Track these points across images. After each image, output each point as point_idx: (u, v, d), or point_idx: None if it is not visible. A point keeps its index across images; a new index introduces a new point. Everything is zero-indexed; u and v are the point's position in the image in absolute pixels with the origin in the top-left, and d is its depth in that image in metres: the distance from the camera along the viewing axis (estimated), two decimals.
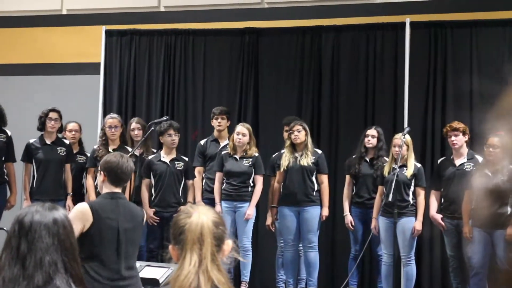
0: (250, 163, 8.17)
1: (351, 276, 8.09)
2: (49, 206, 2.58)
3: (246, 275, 8.14)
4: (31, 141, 8.12)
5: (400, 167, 7.65)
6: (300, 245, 8.15)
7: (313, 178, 8.04)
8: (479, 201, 6.92)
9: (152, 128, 7.89)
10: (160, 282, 5.19)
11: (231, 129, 8.48)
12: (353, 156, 8.33)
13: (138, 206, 5.08)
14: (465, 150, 7.82)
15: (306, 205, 7.99)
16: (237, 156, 8.19)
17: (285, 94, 9.55)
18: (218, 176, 8.26)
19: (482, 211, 7.01)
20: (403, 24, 9.06)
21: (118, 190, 4.86)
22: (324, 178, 8.10)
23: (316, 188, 8.04)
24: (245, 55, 9.68)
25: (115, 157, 4.88)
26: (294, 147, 8.06)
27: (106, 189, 4.82)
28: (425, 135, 8.95)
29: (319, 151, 8.20)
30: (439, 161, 8.12)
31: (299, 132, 8.00)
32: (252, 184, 8.19)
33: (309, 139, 8.08)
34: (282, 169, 8.06)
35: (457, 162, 7.81)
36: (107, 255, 4.74)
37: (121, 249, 4.76)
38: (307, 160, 7.98)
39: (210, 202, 8.08)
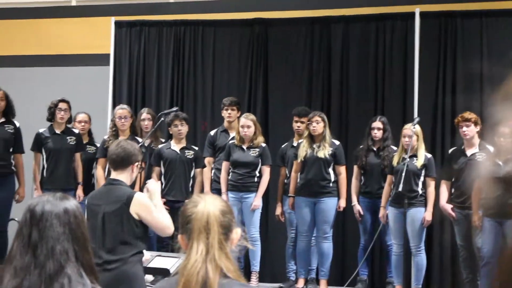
0: (257, 153, 8.18)
1: (361, 267, 8.10)
2: (60, 196, 2.59)
3: (256, 265, 8.16)
4: (41, 130, 8.14)
5: (410, 157, 7.64)
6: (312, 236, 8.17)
7: (330, 170, 8.04)
8: (490, 190, 6.94)
9: (162, 118, 7.90)
10: (171, 272, 5.20)
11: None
12: (360, 147, 8.33)
13: (129, 189, 5.03)
14: (476, 140, 7.80)
15: (323, 196, 7.99)
16: (244, 146, 8.20)
17: (294, 84, 9.55)
18: (224, 165, 8.27)
19: (493, 201, 7.02)
20: (413, 14, 9.04)
21: (118, 175, 4.93)
22: (342, 169, 8.10)
23: (333, 180, 8.04)
24: (254, 45, 9.69)
25: (112, 144, 5.09)
26: (312, 138, 8.06)
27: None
28: (435, 125, 8.94)
29: (337, 142, 8.19)
30: (450, 151, 8.10)
31: (317, 123, 8.00)
32: (258, 175, 8.19)
33: (327, 131, 8.08)
34: (299, 160, 8.07)
35: (469, 152, 7.80)
36: (91, 241, 4.77)
37: (100, 233, 4.79)
38: (324, 152, 7.97)
39: (219, 193, 8.10)
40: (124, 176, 4.94)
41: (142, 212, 4.80)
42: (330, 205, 8.00)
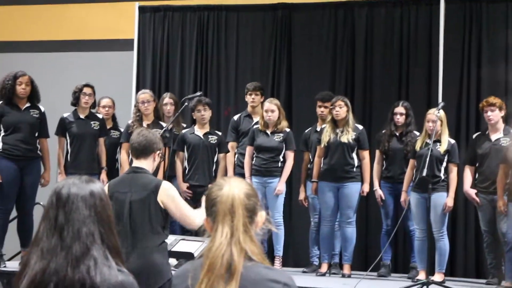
0: (281, 138, 8.17)
1: (384, 251, 8.09)
2: (86, 179, 2.61)
3: (279, 250, 8.17)
4: (65, 115, 8.18)
5: (434, 142, 7.61)
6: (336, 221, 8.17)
7: (354, 155, 8.02)
8: None
9: (186, 103, 7.91)
10: (195, 255, 5.22)
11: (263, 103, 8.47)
12: (383, 132, 8.30)
13: (155, 177, 5.07)
14: (501, 125, 7.75)
15: (346, 181, 7.98)
16: (268, 131, 8.19)
17: (318, 69, 9.53)
18: (248, 150, 8.26)
19: None
20: None
21: (141, 163, 4.96)
22: (366, 154, 8.08)
23: (356, 164, 8.03)
24: (277, 30, 9.67)
25: (134, 133, 5.13)
26: (335, 122, 8.05)
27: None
28: (459, 110, 8.90)
29: (360, 127, 8.16)
30: (474, 136, 8.06)
31: (340, 108, 7.98)
32: (282, 160, 8.19)
33: (351, 115, 8.05)
34: (322, 145, 8.06)
35: (493, 137, 7.75)
36: (117, 228, 4.83)
37: (127, 221, 4.82)
38: (347, 136, 7.96)
39: (242, 177, 8.09)
40: (146, 164, 4.97)
41: (168, 201, 4.84)
42: (354, 190, 7.99)
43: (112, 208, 4.79)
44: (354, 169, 8.02)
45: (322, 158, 8.12)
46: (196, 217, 4.79)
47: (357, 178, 8.03)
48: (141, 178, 4.91)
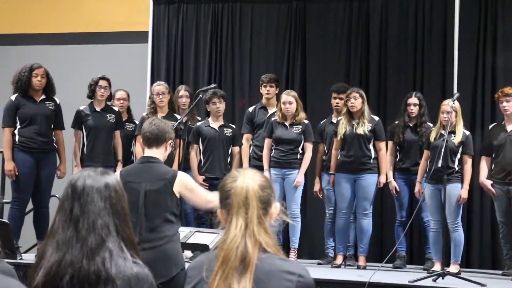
0: (299, 130, 8.16)
1: (399, 243, 8.07)
2: (101, 171, 2.62)
3: (295, 242, 8.17)
4: (81, 108, 8.19)
5: (448, 133, 7.58)
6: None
7: (370, 146, 8.01)
8: None
9: (200, 95, 7.91)
10: (210, 247, 5.23)
11: (279, 97, 8.46)
12: (396, 123, 8.26)
13: (169, 167, 5.09)
14: None
15: (363, 173, 7.97)
16: (286, 123, 8.19)
17: (332, 61, 9.51)
18: (267, 142, 8.26)
19: None
20: None
21: (153, 153, 4.97)
22: (382, 145, 8.06)
23: (373, 156, 8.01)
24: (292, 22, 9.66)
25: (146, 122, 5.15)
26: (351, 114, 8.03)
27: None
28: (475, 100, 8.86)
29: (376, 118, 8.14)
30: (490, 126, 8.02)
31: (355, 99, 7.96)
32: (301, 152, 8.18)
33: (366, 107, 8.03)
34: (339, 137, 8.04)
35: (509, 128, 7.72)
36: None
37: (141, 211, 4.83)
38: (363, 128, 7.94)
39: (257, 170, 8.08)
40: (158, 153, 4.98)
41: (185, 191, 4.86)
42: (371, 182, 7.98)
43: (127, 197, 4.84)
44: (371, 160, 8.00)
45: (339, 150, 8.11)
46: (214, 199, 4.83)
47: (374, 170, 8.01)
48: (156, 168, 4.93)
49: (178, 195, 4.87)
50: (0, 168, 8.47)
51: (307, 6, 9.64)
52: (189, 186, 4.89)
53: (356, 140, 7.96)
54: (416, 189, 7.92)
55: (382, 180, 8.03)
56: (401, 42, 9.29)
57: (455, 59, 8.84)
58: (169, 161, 5.32)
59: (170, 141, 5.03)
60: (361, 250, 8.05)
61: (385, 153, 8.05)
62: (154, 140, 4.96)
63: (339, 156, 8.11)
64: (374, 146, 8.03)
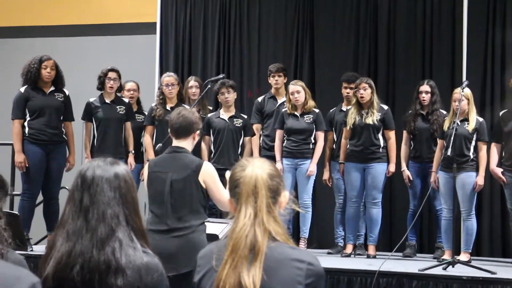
0: (311, 119, 8.16)
1: (409, 232, 8.06)
2: (110, 161, 2.62)
3: (305, 231, 8.18)
4: (91, 100, 8.20)
5: (462, 121, 7.55)
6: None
7: (379, 135, 8.00)
8: None
9: (209, 86, 7.91)
10: (220, 237, 5.24)
11: (287, 86, 8.45)
12: (409, 112, 8.25)
13: (196, 157, 5.11)
14: None
15: (372, 162, 7.97)
16: (297, 113, 8.18)
17: (340, 51, 9.50)
18: (278, 133, 8.26)
19: None
20: None
21: (181, 143, 4.99)
22: (391, 134, 8.04)
23: (382, 145, 8.00)
24: (300, 12, 9.65)
25: (173, 113, 5.13)
26: (360, 104, 8.02)
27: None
28: (484, 88, 8.84)
29: (385, 107, 8.12)
30: (501, 113, 7.96)
31: (365, 90, 7.95)
32: (313, 141, 8.18)
33: (375, 97, 8.02)
34: (348, 127, 8.04)
35: None
36: (157, 207, 4.91)
37: (167, 200, 4.87)
38: (372, 118, 7.93)
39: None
40: (186, 144, 5.00)
41: (209, 181, 4.88)
42: (380, 170, 7.97)
43: (153, 187, 4.89)
44: (380, 149, 8.00)
45: (348, 140, 8.11)
46: None
47: (383, 159, 8.00)
48: (182, 157, 4.95)
49: (204, 185, 4.89)
50: (10, 160, 8.49)
51: None
52: (212, 178, 4.90)
53: (366, 129, 7.96)
54: (432, 179, 7.86)
55: (391, 169, 8.02)
56: (410, 31, 9.26)
57: (464, 47, 8.81)
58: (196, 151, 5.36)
59: (197, 131, 5.05)
60: (370, 239, 8.05)
61: (394, 142, 8.04)
62: (182, 131, 4.98)
63: (348, 146, 8.11)
64: (383, 135, 8.03)
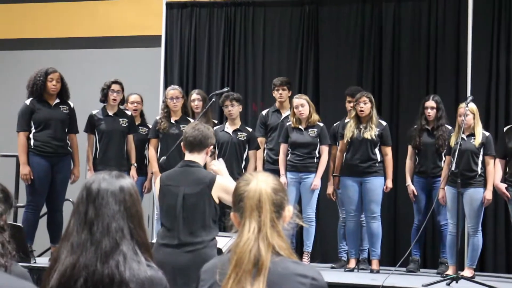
0: (315, 133, 8.16)
1: (413, 247, 8.04)
2: (116, 174, 2.62)
3: (309, 245, 8.16)
4: (94, 112, 8.21)
5: (468, 136, 7.54)
6: (362, 216, 8.15)
7: (376, 150, 8.00)
8: None
9: (213, 99, 7.92)
10: (223, 251, 5.23)
11: (292, 100, 8.45)
12: (414, 127, 8.25)
13: (208, 171, 5.10)
14: None
15: (369, 176, 7.97)
16: (301, 127, 8.19)
17: (345, 64, 9.51)
18: (283, 147, 8.26)
19: None
20: None
21: (194, 157, 4.98)
22: (388, 150, 8.05)
23: (379, 160, 8.01)
24: (305, 25, 9.66)
25: (188, 127, 5.16)
26: (359, 118, 8.02)
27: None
28: (488, 103, 8.83)
29: (384, 123, 8.13)
30: (505, 129, 7.95)
31: (365, 104, 7.95)
32: (317, 155, 8.18)
33: (374, 111, 8.02)
34: (345, 140, 8.04)
35: None
36: (168, 221, 4.89)
37: (179, 215, 4.85)
38: (371, 133, 7.94)
39: (271, 173, 8.07)
40: (199, 158, 5.00)
41: (224, 196, 4.85)
42: (377, 184, 7.97)
43: (165, 201, 4.88)
44: (377, 164, 8.00)
45: (345, 153, 8.11)
46: None
47: (379, 173, 8.00)
48: (194, 172, 4.95)
49: (217, 200, 4.88)
50: (14, 172, 8.49)
51: (320, 10, 9.64)
52: (228, 189, 4.87)
53: (363, 144, 7.96)
54: (440, 195, 7.81)
55: (389, 184, 8.03)
56: (414, 45, 9.27)
57: (468, 62, 8.81)
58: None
59: (211, 146, 5.05)
60: (373, 253, 8.03)
61: (391, 158, 8.05)
62: (196, 145, 4.98)
63: (344, 159, 8.11)
64: (380, 150, 8.03)
